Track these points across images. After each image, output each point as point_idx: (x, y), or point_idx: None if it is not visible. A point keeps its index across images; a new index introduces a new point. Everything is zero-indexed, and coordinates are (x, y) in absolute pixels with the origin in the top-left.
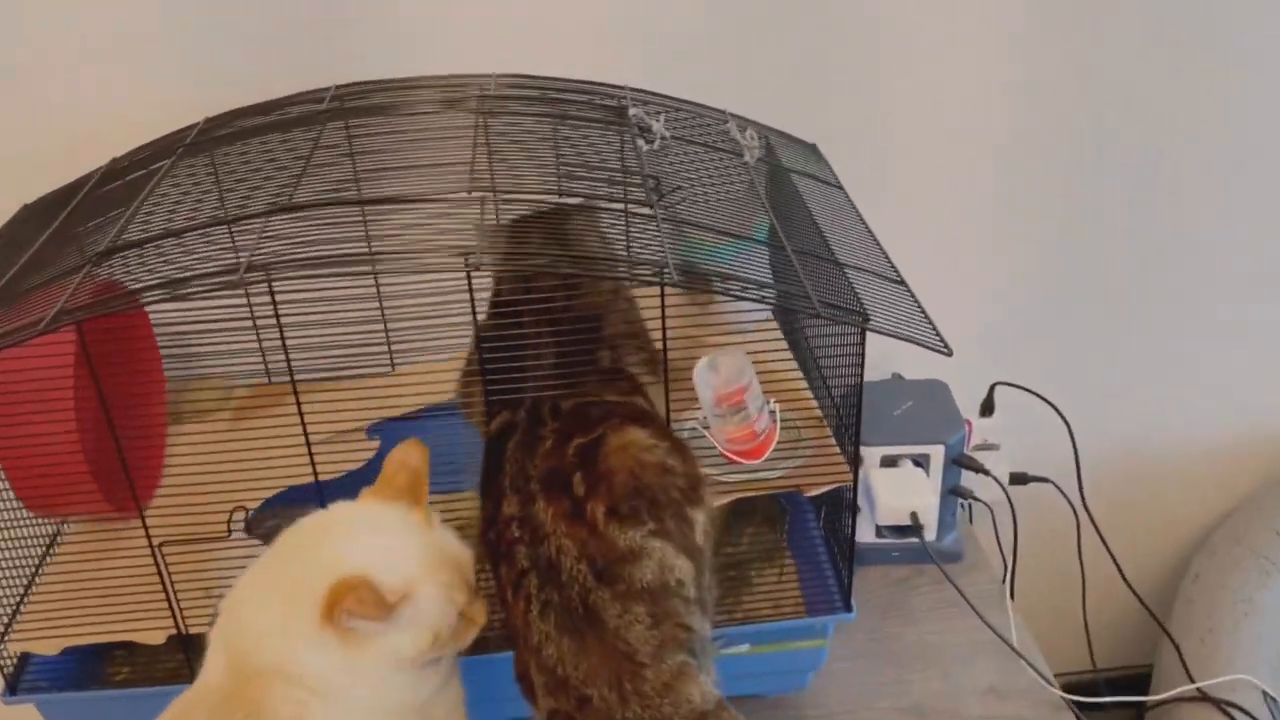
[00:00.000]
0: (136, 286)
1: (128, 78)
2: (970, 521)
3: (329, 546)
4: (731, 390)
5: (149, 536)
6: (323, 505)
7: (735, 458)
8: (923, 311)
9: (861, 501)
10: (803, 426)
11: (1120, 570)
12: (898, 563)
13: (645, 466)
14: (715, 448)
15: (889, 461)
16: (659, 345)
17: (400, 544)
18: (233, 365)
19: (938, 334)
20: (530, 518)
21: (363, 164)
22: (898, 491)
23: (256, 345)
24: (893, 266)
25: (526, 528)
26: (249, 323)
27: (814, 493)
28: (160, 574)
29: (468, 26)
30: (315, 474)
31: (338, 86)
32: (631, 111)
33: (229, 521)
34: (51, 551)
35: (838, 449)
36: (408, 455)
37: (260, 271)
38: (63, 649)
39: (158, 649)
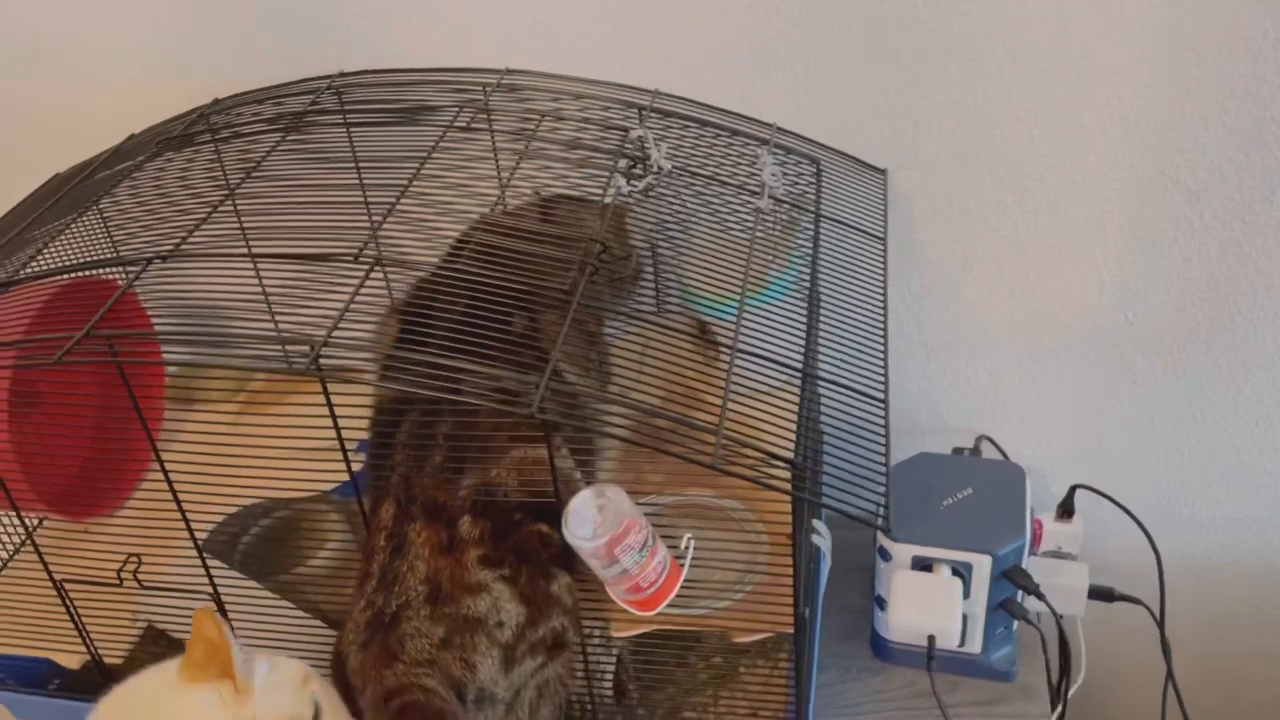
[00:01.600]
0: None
1: (157, 51)
2: (1043, 638)
3: None
4: (599, 546)
5: (49, 572)
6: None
7: (626, 607)
8: (884, 453)
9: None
10: (770, 543)
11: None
12: (934, 671)
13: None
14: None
15: (922, 564)
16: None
17: None
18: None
19: (884, 497)
20: (400, 534)
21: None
22: (919, 605)
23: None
24: (883, 366)
25: (393, 542)
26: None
27: (744, 639)
28: (66, 607)
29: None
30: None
31: (340, 75)
32: (634, 133)
33: (120, 570)
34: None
35: (790, 591)
36: (201, 628)
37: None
38: None
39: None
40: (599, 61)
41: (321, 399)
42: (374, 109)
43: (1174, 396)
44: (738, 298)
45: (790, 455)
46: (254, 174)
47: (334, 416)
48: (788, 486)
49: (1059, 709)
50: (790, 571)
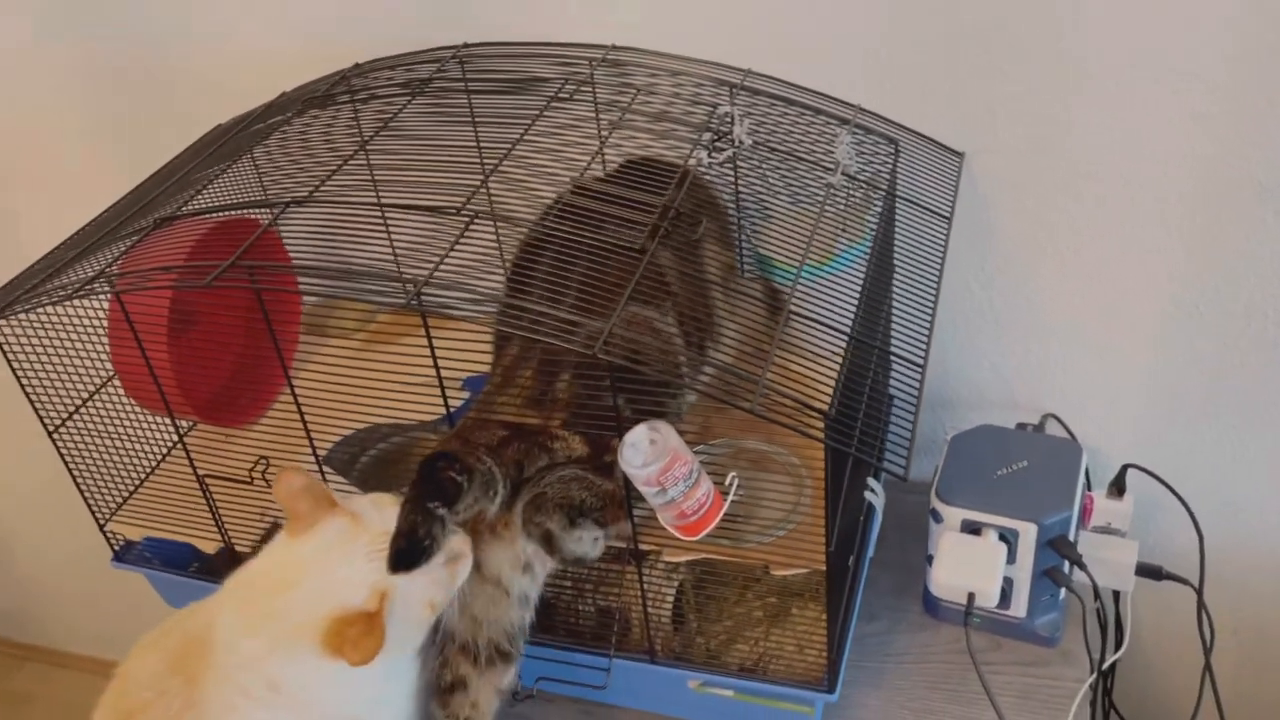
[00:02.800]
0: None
1: (307, 19)
2: (1097, 600)
3: (300, 591)
4: (649, 473)
5: (194, 469)
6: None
7: (673, 532)
8: (913, 412)
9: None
10: (814, 487)
11: (1221, 713)
12: (979, 629)
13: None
14: None
15: (971, 527)
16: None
17: (351, 560)
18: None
19: (906, 449)
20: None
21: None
22: (962, 565)
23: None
24: (927, 336)
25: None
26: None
27: (782, 573)
28: (206, 500)
29: None
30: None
31: (465, 45)
32: (723, 109)
33: (251, 470)
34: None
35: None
36: (292, 483)
37: (244, 272)
38: (143, 537)
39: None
40: (697, 41)
41: (435, 336)
42: (492, 78)
43: (1238, 390)
44: (802, 265)
45: (823, 407)
46: (383, 132)
47: (433, 350)
48: (815, 432)
49: (1094, 675)
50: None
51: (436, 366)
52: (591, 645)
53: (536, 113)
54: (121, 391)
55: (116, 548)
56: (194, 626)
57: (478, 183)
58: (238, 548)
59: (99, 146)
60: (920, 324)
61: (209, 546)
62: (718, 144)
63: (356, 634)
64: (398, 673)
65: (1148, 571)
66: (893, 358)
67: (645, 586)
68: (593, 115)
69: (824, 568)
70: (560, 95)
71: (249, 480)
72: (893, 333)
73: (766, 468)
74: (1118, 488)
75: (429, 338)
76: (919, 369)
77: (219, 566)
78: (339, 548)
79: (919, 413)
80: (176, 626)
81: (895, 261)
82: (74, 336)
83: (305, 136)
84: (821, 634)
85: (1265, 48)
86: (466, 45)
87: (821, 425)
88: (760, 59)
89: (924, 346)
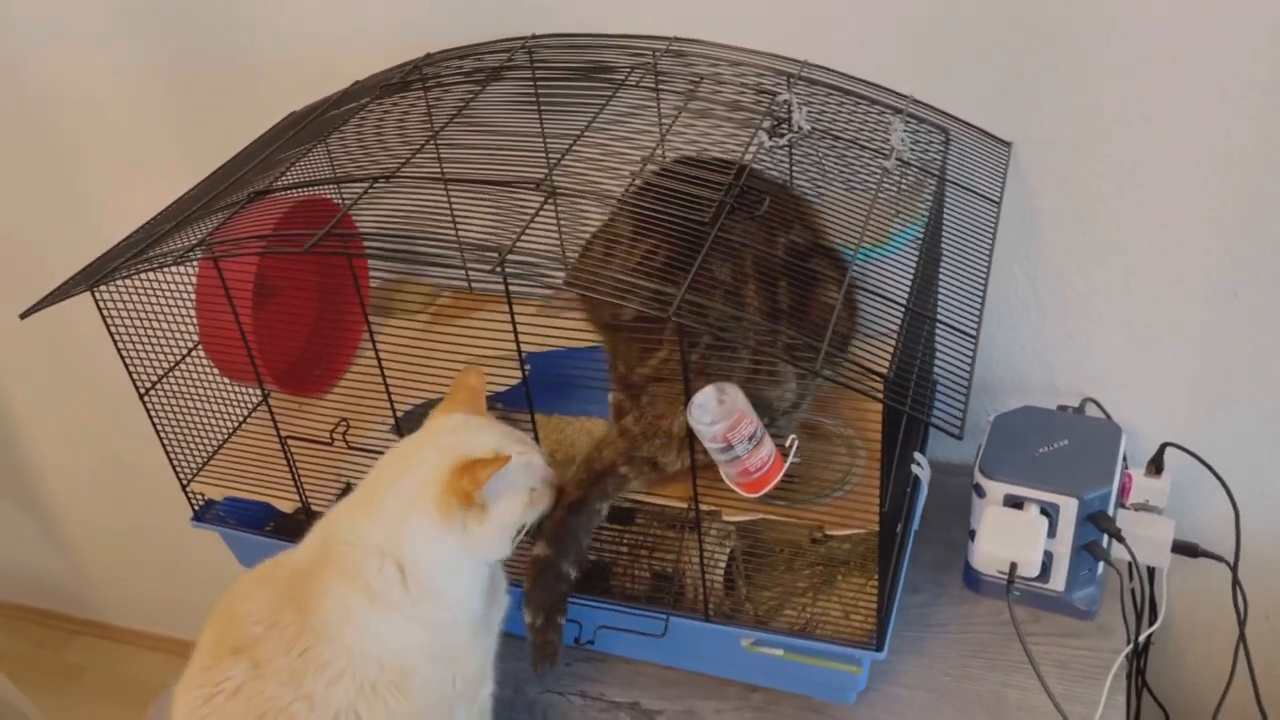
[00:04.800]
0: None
1: (378, 10)
2: (1134, 578)
3: (430, 451)
4: (717, 431)
5: (278, 429)
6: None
7: (737, 489)
8: (968, 376)
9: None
10: (867, 457)
11: (1257, 692)
12: (1018, 602)
13: None
14: None
15: (1014, 502)
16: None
17: (479, 434)
18: (440, 275)
19: (960, 412)
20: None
21: (488, 131)
22: (1004, 537)
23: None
24: (979, 309)
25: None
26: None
27: (837, 532)
28: (287, 459)
29: None
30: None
31: (533, 36)
32: (781, 98)
33: (333, 431)
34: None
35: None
36: (467, 378)
37: (339, 241)
38: (224, 497)
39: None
40: (754, 34)
41: (494, 317)
42: (559, 67)
43: (1274, 375)
44: (859, 247)
45: (883, 370)
46: (457, 119)
47: (513, 317)
48: (875, 392)
49: (1130, 647)
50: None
51: (516, 334)
52: (647, 607)
53: (607, 97)
54: (202, 358)
55: (197, 507)
56: (301, 560)
57: (549, 165)
58: (314, 507)
59: (176, 133)
60: (973, 299)
61: (286, 506)
62: (778, 129)
63: (475, 469)
64: (479, 579)
65: (1184, 549)
66: (946, 328)
67: (699, 552)
68: (664, 101)
69: (876, 529)
70: (628, 81)
71: (329, 441)
72: (945, 309)
73: (822, 437)
74: (1156, 466)
75: (511, 308)
76: (972, 338)
77: (294, 526)
78: (474, 427)
79: (973, 373)
80: (282, 563)
81: (949, 243)
82: (161, 305)
83: (381, 122)
84: (867, 600)
85: None
86: (535, 36)
87: (881, 386)
88: (815, 52)
89: (976, 318)
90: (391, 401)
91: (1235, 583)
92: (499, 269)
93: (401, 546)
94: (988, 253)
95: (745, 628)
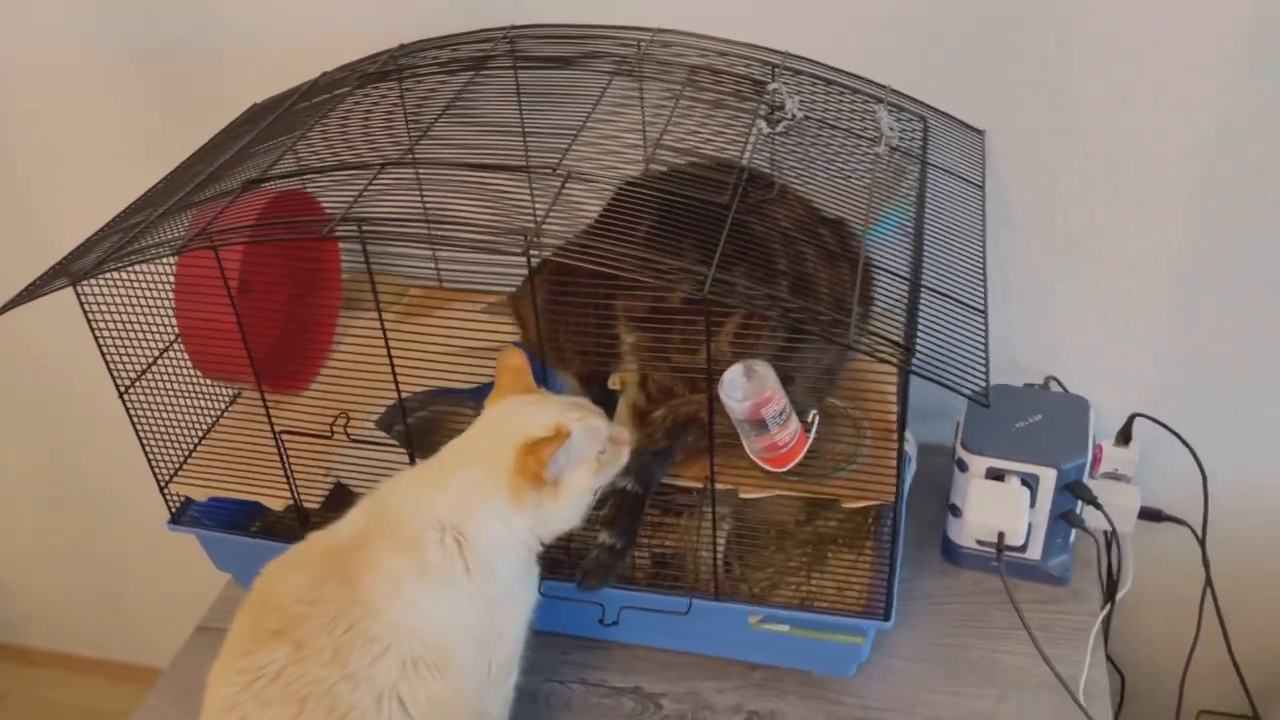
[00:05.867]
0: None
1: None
2: (1099, 549)
3: (490, 439)
4: (748, 406)
5: (271, 424)
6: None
7: (761, 465)
8: (983, 349)
9: (957, 506)
10: (870, 435)
11: (1225, 634)
12: (995, 573)
13: None
14: None
15: (995, 474)
16: None
17: (536, 412)
18: (410, 267)
19: (984, 380)
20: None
21: (487, 119)
22: (991, 507)
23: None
24: (983, 286)
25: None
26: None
27: (852, 505)
28: (280, 455)
29: None
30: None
31: (512, 27)
32: (770, 86)
33: (333, 424)
34: (226, 413)
35: (893, 466)
36: (509, 359)
37: (353, 225)
38: (209, 497)
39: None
40: (731, 26)
41: (461, 312)
42: (541, 57)
43: (1230, 348)
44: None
45: (899, 340)
46: (447, 110)
47: (535, 306)
48: (898, 361)
49: (1107, 609)
50: (891, 453)
51: (538, 318)
52: (653, 588)
53: (602, 85)
54: (176, 355)
55: (174, 509)
56: (342, 537)
57: (561, 150)
58: (306, 503)
59: (133, 128)
60: (975, 276)
61: (276, 504)
62: (772, 117)
63: (543, 444)
64: (529, 563)
65: (1148, 515)
66: (956, 303)
67: (697, 535)
68: (659, 90)
69: (892, 499)
70: (621, 70)
71: (329, 435)
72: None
73: (831, 418)
74: (1124, 436)
75: (534, 295)
76: (981, 313)
77: (280, 525)
78: (530, 405)
79: (988, 346)
80: (315, 543)
81: (942, 225)
82: (139, 300)
83: (368, 113)
84: (860, 575)
85: (1261, 45)
86: (514, 27)
87: (903, 356)
88: (794, 42)
89: (982, 294)
90: (399, 389)
91: (1202, 538)
92: (525, 252)
93: (469, 523)
94: (981, 233)
95: (755, 605)
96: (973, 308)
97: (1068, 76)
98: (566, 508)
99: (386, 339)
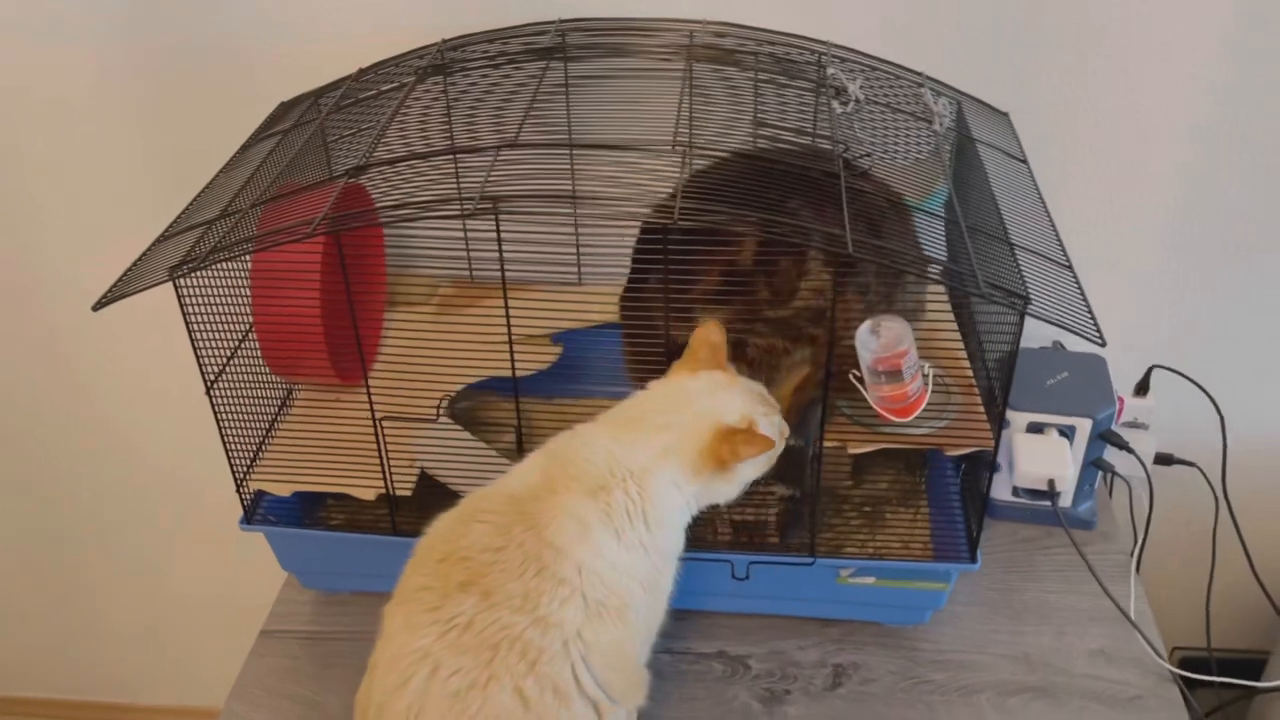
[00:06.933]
0: (385, 205)
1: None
2: (1110, 495)
3: (685, 412)
4: (890, 355)
5: (373, 410)
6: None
7: (885, 414)
8: (1084, 298)
9: (1002, 460)
10: (954, 389)
11: (1250, 559)
12: (1029, 522)
13: None
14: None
15: (1035, 428)
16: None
17: (729, 395)
18: (444, 264)
19: (1095, 324)
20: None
21: (577, 105)
22: (1038, 458)
23: (465, 251)
24: (1062, 248)
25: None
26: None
27: (955, 453)
28: (378, 443)
29: None
30: (514, 370)
31: (561, 20)
32: (830, 71)
33: (439, 406)
34: (283, 411)
35: (984, 415)
36: (709, 333)
37: (489, 203)
38: (291, 492)
39: (364, 503)
40: (779, 17)
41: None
42: (608, 46)
43: (1226, 299)
44: (928, 198)
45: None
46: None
47: (668, 280)
48: (1019, 306)
49: (1140, 544)
50: (976, 404)
51: (668, 289)
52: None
53: (681, 72)
54: (247, 350)
55: (246, 505)
56: (521, 486)
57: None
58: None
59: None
60: (1050, 236)
61: (367, 494)
62: (839, 99)
63: (741, 440)
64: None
65: (1161, 459)
66: (1044, 260)
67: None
68: (735, 75)
69: (992, 446)
70: (702, 54)
71: (434, 417)
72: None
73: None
74: (1142, 387)
75: (665, 252)
76: (1069, 267)
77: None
78: (724, 389)
79: (1084, 293)
80: (490, 495)
81: (1002, 198)
82: (224, 295)
83: (426, 108)
84: (921, 529)
85: (1253, 26)
86: (563, 20)
87: (1022, 303)
88: (834, 32)
89: (1063, 250)
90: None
91: (1222, 477)
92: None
93: (651, 481)
94: (1039, 201)
95: (847, 559)
96: (1060, 264)
97: (1082, 64)
98: (733, 490)
99: (510, 327)
